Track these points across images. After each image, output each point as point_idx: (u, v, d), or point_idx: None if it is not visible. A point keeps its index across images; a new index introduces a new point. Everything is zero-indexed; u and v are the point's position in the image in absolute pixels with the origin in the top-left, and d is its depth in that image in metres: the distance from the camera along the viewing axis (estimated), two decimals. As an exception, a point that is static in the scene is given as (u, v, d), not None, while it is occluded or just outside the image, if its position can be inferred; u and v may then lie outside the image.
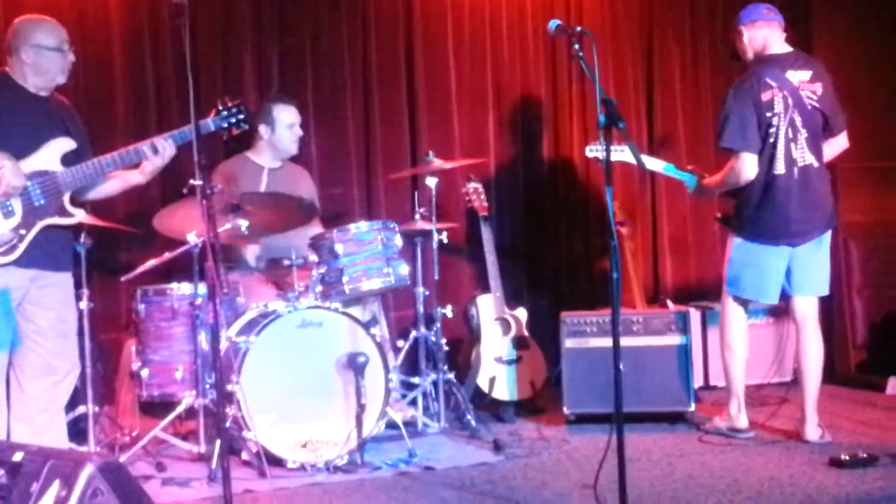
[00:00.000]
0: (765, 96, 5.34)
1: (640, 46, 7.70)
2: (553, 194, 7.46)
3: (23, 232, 4.56)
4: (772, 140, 5.34)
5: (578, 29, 4.55)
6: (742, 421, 5.57)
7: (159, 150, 4.77)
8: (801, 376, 5.51)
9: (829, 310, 7.51)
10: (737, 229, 5.56)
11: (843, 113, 5.61)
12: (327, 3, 6.96)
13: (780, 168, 5.34)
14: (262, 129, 6.12)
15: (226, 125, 4.89)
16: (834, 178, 7.48)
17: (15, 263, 4.53)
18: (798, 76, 5.41)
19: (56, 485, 3.27)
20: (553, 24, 4.62)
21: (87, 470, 3.26)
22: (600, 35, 7.30)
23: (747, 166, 5.33)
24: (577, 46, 4.39)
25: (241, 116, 4.92)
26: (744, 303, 5.63)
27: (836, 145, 5.60)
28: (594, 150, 5.88)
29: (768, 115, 5.33)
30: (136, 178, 4.94)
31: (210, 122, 4.82)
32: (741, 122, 5.33)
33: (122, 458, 5.04)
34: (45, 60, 4.72)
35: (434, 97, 7.20)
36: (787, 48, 5.54)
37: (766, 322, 6.99)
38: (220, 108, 4.89)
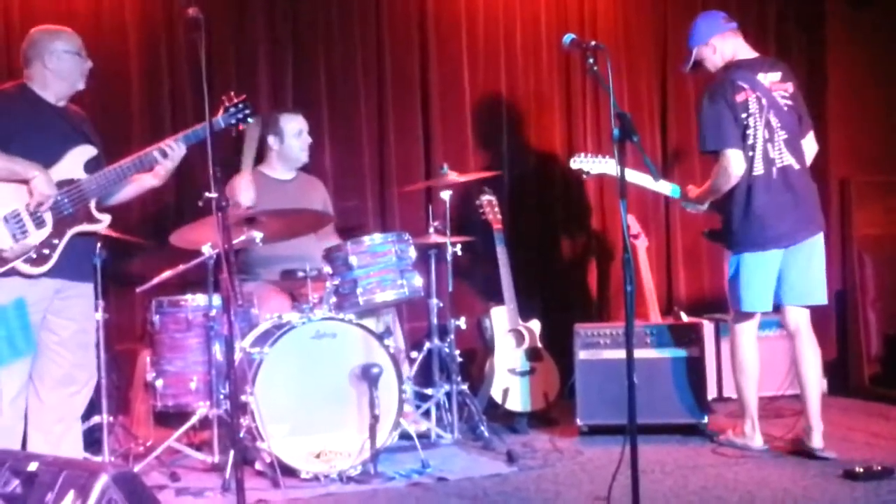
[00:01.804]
0: (738, 97, 5.34)
1: (654, 59, 7.71)
2: (567, 206, 7.47)
3: (55, 241, 4.60)
4: (749, 142, 5.34)
5: (593, 43, 4.54)
6: (757, 441, 5.56)
7: (168, 154, 4.80)
8: (802, 387, 5.47)
9: (844, 322, 7.53)
10: (728, 244, 5.56)
11: (808, 115, 5.63)
12: (341, 14, 6.98)
13: (758, 169, 5.33)
14: (272, 141, 6.17)
15: (234, 121, 4.90)
16: (847, 191, 7.54)
17: (45, 274, 4.57)
18: (769, 77, 5.44)
19: (71, 495, 3.28)
20: (567, 38, 4.63)
21: (102, 480, 3.27)
22: (614, 48, 7.31)
23: (734, 162, 5.31)
24: (591, 60, 4.41)
25: (248, 111, 4.93)
26: (751, 318, 5.59)
27: (808, 147, 5.58)
28: (578, 162, 5.90)
29: (743, 115, 5.33)
30: (151, 181, 4.96)
31: (220, 120, 4.82)
32: (717, 122, 5.33)
33: (137, 468, 5.04)
34: (66, 65, 4.76)
35: (448, 109, 7.22)
36: (754, 53, 5.60)
37: (780, 334, 6.92)
38: (227, 104, 4.90)
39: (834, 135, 7.64)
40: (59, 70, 4.76)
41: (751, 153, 5.33)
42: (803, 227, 5.43)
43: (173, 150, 4.80)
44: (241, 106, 4.92)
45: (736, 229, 5.45)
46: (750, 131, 5.33)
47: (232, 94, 4.91)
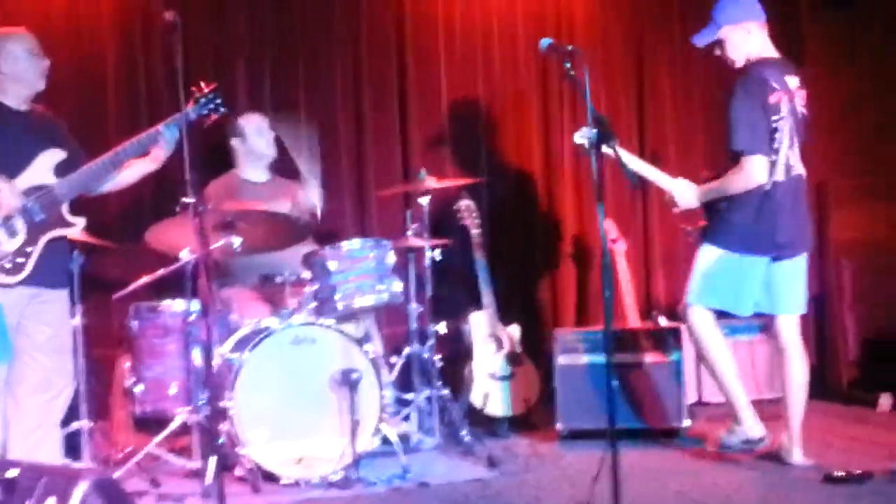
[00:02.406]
0: (772, 99, 5.09)
1: (631, 63, 7.71)
2: (546, 211, 7.47)
3: (29, 249, 4.59)
4: (776, 146, 5.12)
5: (569, 48, 4.54)
6: (757, 430, 5.40)
7: (165, 138, 4.82)
8: (789, 399, 5.29)
9: (821, 326, 7.55)
10: (719, 240, 5.30)
11: None
12: (319, 18, 6.98)
13: (779, 175, 5.12)
14: (236, 143, 6.18)
15: (206, 112, 4.88)
16: (824, 194, 7.56)
17: (20, 283, 4.55)
18: (793, 81, 5.23)
19: (51, 501, 3.26)
20: (544, 42, 4.60)
21: (82, 486, 3.24)
22: (591, 52, 7.30)
23: (757, 170, 5.06)
24: (568, 65, 4.40)
25: (219, 101, 4.90)
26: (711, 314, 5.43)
27: None
28: (582, 137, 5.30)
29: (774, 118, 5.09)
30: (149, 165, 4.98)
31: (190, 112, 4.79)
32: (752, 124, 5.06)
33: (117, 474, 5.01)
34: (20, 67, 4.76)
35: (426, 113, 7.22)
36: (776, 52, 5.36)
37: (760, 338, 6.98)
38: (198, 96, 4.87)
39: (809, 137, 7.65)
40: (14, 72, 4.74)
41: (774, 158, 5.11)
42: (802, 242, 5.31)
43: (160, 134, 4.80)
44: (211, 96, 4.89)
45: (741, 227, 5.21)
46: (778, 135, 5.11)
47: (202, 84, 4.88)
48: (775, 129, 5.11)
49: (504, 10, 7.45)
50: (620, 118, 7.56)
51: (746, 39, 5.24)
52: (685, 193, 5.40)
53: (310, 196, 6.05)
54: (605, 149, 4.39)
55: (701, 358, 5.57)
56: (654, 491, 4.87)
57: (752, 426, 5.41)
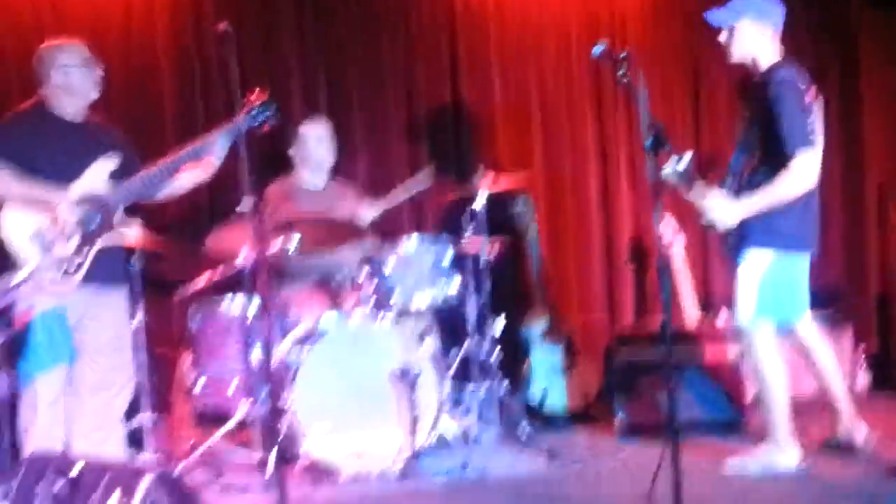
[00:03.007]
0: (808, 98, 4.97)
1: (685, 67, 7.65)
2: (603, 210, 7.46)
3: (84, 255, 4.64)
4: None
5: (623, 54, 4.51)
6: (793, 456, 5.08)
7: (217, 148, 4.87)
8: (834, 388, 5.15)
9: (886, 324, 7.47)
10: (766, 242, 5.00)
11: None
12: (370, 22, 7.04)
13: (813, 178, 4.93)
14: (294, 151, 6.22)
15: (258, 122, 4.89)
16: (887, 192, 7.49)
17: (79, 283, 4.61)
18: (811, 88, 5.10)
19: (116, 495, 3.32)
20: (598, 49, 4.57)
21: (146, 481, 3.30)
22: (645, 56, 7.26)
23: (812, 167, 4.84)
24: (622, 72, 4.38)
25: (271, 110, 4.91)
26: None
27: None
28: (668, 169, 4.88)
29: (810, 119, 4.93)
30: (201, 174, 5.04)
31: (242, 123, 4.80)
32: (803, 121, 4.84)
33: (180, 468, 5.11)
34: (74, 79, 4.82)
35: (479, 115, 7.23)
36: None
37: (822, 331, 6.91)
38: (250, 106, 4.88)
39: (871, 137, 7.61)
40: (67, 85, 4.81)
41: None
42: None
43: (213, 142, 4.85)
44: (264, 106, 4.90)
45: (789, 224, 4.97)
46: (814, 136, 4.92)
47: (254, 93, 4.90)
48: (813, 130, 4.92)
49: (557, 13, 7.43)
50: (675, 123, 7.50)
51: (759, 40, 5.07)
52: (725, 211, 4.97)
53: (365, 209, 6.10)
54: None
55: (757, 379, 5.20)
56: (716, 486, 4.83)
57: (793, 451, 5.08)
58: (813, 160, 4.86)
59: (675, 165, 4.75)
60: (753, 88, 5.13)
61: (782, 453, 5.07)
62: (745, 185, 5.03)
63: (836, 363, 5.22)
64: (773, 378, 5.09)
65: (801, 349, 5.23)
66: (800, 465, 5.03)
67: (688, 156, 4.77)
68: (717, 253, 7.48)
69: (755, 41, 5.08)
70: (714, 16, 5.15)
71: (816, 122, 4.94)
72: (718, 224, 5.01)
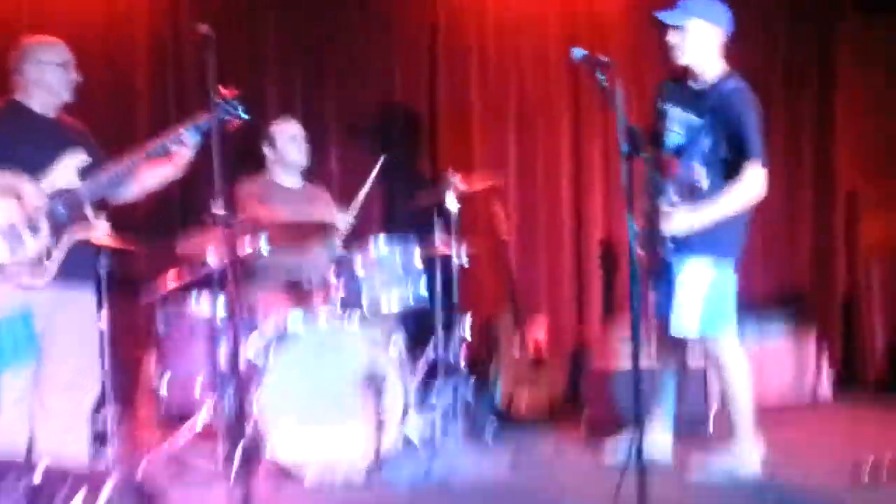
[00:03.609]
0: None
1: (664, 69, 7.65)
2: (575, 214, 7.47)
3: (53, 251, 4.62)
4: None
5: (604, 59, 4.51)
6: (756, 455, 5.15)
7: (186, 142, 4.84)
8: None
9: (850, 327, 7.52)
10: (721, 253, 5.05)
11: None
12: (350, 28, 7.02)
13: (763, 189, 4.99)
14: (267, 151, 6.23)
15: (226, 117, 4.88)
16: (856, 198, 7.53)
17: (47, 283, 4.59)
18: None
19: (78, 500, 3.31)
20: (577, 53, 4.58)
21: (109, 484, 3.29)
22: (623, 57, 7.27)
23: (763, 181, 4.93)
24: (602, 77, 4.39)
25: (240, 107, 4.89)
26: None
27: None
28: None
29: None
30: (171, 170, 5.00)
31: (206, 120, 4.80)
32: (760, 135, 4.95)
33: (143, 469, 5.10)
34: (48, 77, 4.81)
35: (456, 116, 7.24)
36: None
37: (785, 342, 6.99)
38: (218, 101, 4.86)
39: (842, 147, 7.66)
40: (40, 81, 4.79)
41: None
42: None
43: (182, 139, 4.83)
44: (232, 102, 4.89)
45: (729, 231, 5.02)
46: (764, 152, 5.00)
47: (223, 90, 4.88)
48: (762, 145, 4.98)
49: (537, 18, 7.44)
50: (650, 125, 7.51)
51: (710, 43, 5.08)
52: (680, 220, 4.99)
53: (339, 219, 6.11)
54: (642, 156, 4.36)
55: (722, 383, 5.22)
56: (679, 488, 4.89)
57: (755, 457, 5.13)
58: (764, 175, 4.92)
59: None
60: (694, 94, 5.13)
61: (745, 458, 5.11)
62: (690, 192, 5.03)
63: (748, 386, 5.15)
64: (738, 381, 5.12)
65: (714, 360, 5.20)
66: (763, 468, 5.07)
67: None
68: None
69: (706, 43, 5.08)
70: (667, 15, 5.13)
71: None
72: (672, 231, 4.99)
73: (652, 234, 5.03)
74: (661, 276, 5.12)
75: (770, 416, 6.19)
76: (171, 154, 4.89)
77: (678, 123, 5.16)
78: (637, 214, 4.95)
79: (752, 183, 4.92)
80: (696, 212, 4.94)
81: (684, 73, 5.19)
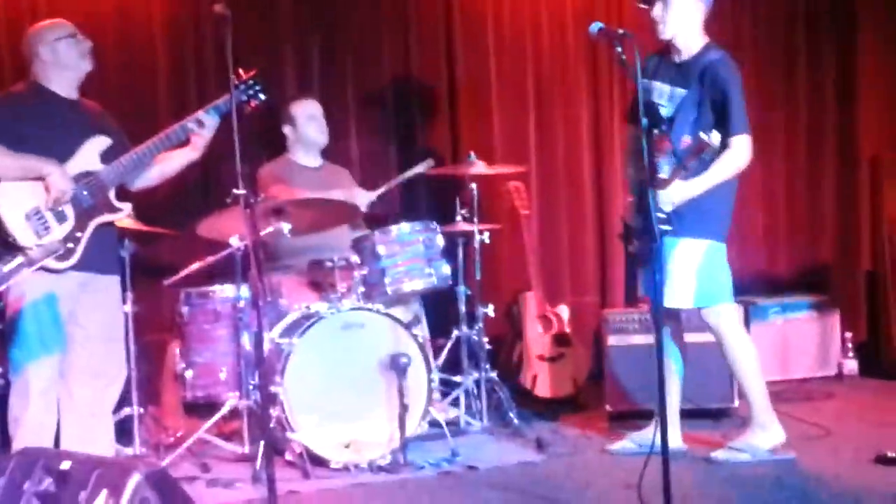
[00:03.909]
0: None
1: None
2: (595, 192, 7.43)
3: (78, 234, 4.64)
4: None
5: (621, 31, 4.50)
6: (780, 434, 5.10)
7: (206, 124, 4.83)
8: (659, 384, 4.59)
9: (874, 302, 7.47)
10: (701, 231, 5.01)
11: None
12: (367, 6, 7.00)
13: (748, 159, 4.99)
14: (287, 130, 6.22)
15: (245, 98, 4.89)
16: (879, 168, 7.46)
17: (71, 268, 4.59)
18: None
19: (104, 493, 3.31)
20: (595, 26, 4.57)
21: (135, 478, 3.29)
22: (641, 34, 7.19)
23: (748, 149, 4.91)
24: (619, 49, 4.36)
25: (259, 87, 4.91)
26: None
27: None
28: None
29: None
30: (190, 154, 4.97)
31: (227, 101, 4.77)
32: (743, 105, 4.93)
33: (167, 460, 5.12)
34: (62, 52, 4.78)
35: (474, 96, 7.19)
36: None
37: (809, 316, 6.95)
38: (237, 83, 4.86)
39: (865, 112, 7.59)
40: (56, 60, 4.78)
41: None
42: None
43: (202, 122, 4.83)
44: (251, 82, 4.90)
45: (721, 215, 5.06)
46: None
47: (241, 71, 4.89)
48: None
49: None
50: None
51: (693, 17, 5.05)
52: (673, 190, 4.86)
53: (360, 196, 6.08)
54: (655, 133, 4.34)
55: (730, 364, 5.19)
56: (704, 473, 4.88)
57: (777, 430, 5.10)
58: (748, 143, 4.92)
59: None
60: (679, 67, 5.10)
61: (766, 434, 5.08)
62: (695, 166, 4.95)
63: (752, 356, 5.15)
64: (745, 360, 5.12)
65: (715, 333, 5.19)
66: (785, 445, 5.05)
67: None
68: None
69: (689, 17, 5.05)
70: None
71: None
72: (666, 203, 4.82)
73: (641, 209, 4.85)
74: (652, 253, 5.08)
75: (795, 390, 6.25)
76: (191, 137, 4.88)
77: (665, 97, 5.12)
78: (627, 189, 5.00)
79: (740, 151, 4.92)
80: (690, 182, 4.88)
81: (667, 49, 5.17)
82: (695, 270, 5.03)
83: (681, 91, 5.05)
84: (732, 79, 4.96)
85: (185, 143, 4.92)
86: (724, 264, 5.12)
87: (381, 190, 6.17)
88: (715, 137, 4.58)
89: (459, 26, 7.18)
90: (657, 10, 5.06)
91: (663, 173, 4.81)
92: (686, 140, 4.94)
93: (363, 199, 6.11)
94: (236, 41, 4.22)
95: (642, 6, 5.16)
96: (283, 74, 6.74)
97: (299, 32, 6.85)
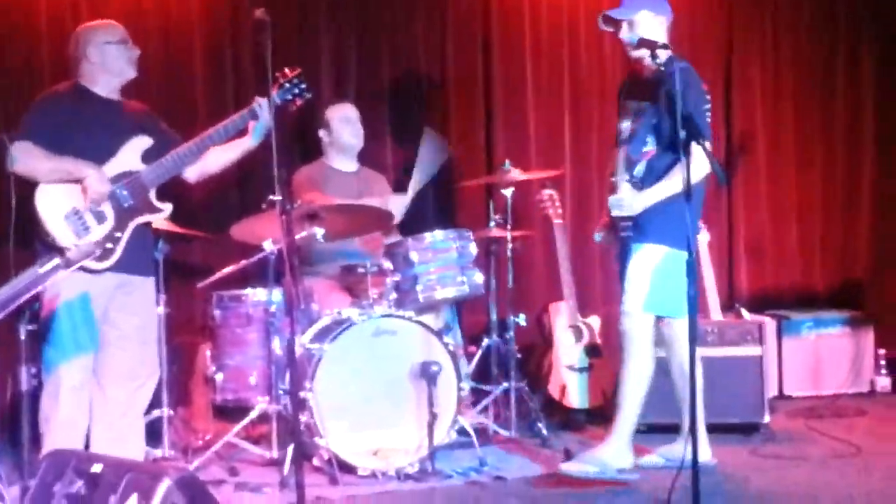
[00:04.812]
0: (704, 87, 5.05)
1: (719, 49, 7.57)
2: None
3: (118, 235, 4.67)
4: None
5: (660, 42, 4.48)
6: (627, 459, 5.06)
7: (258, 114, 4.86)
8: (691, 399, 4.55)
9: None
10: (661, 238, 4.95)
11: None
12: (404, 8, 7.00)
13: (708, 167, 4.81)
14: (322, 134, 6.23)
15: (290, 97, 4.91)
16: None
17: (108, 269, 4.62)
18: None
19: (134, 498, 3.32)
20: (634, 37, 4.59)
21: (165, 483, 3.31)
22: (677, 37, 7.17)
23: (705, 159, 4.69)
24: (658, 60, 4.34)
25: (303, 86, 4.93)
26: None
27: None
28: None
29: (707, 107, 5.02)
30: (248, 143, 4.99)
31: (275, 97, 4.77)
32: (704, 113, 4.92)
33: (196, 462, 5.14)
34: (110, 56, 4.82)
35: (510, 101, 7.18)
36: None
37: (843, 332, 6.90)
38: (282, 81, 4.89)
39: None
40: (103, 62, 4.81)
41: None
42: None
43: (244, 117, 4.88)
44: (295, 81, 4.92)
45: (680, 222, 4.61)
46: (709, 129, 5.03)
47: (286, 69, 4.90)
48: (708, 122, 5.00)
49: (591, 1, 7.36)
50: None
51: (657, 33, 5.05)
52: (631, 200, 5.02)
53: (395, 203, 6.08)
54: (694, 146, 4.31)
55: (622, 365, 5.14)
56: (735, 489, 4.85)
57: (627, 456, 5.07)
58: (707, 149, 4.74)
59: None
60: (646, 83, 5.10)
61: (617, 455, 5.03)
62: (640, 173, 5.06)
63: (646, 378, 5.10)
64: (636, 371, 5.06)
65: (671, 348, 5.18)
66: (633, 469, 5.00)
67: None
68: (741, 251, 7.49)
69: (653, 33, 5.03)
70: (617, 13, 5.17)
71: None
72: (622, 205, 5.04)
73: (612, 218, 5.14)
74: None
75: (826, 406, 6.21)
76: (233, 135, 4.90)
77: (633, 113, 5.19)
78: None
79: (699, 160, 4.71)
80: (647, 192, 4.96)
81: (639, 66, 5.17)
82: (646, 275, 5.02)
83: (645, 104, 5.10)
84: (688, 86, 4.79)
85: (241, 134, 4.95)
86: (678, 274, 4.68)
87: (411, 190, 6.15)
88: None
89: (496, 29, 7.16)
90: (624, 32, 5.13)
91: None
92: (647, 151, 5.03)
93: (398, 205, 6.11)
94: (274, 46, 4.23)
95: (606, 28, 5.25)
96: (320, 78, 6.73)
97: (336, 36, 6.86)
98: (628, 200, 5.03)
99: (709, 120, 4.77)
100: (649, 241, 5.01)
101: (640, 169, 5.08)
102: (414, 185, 6.21)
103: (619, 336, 5.17)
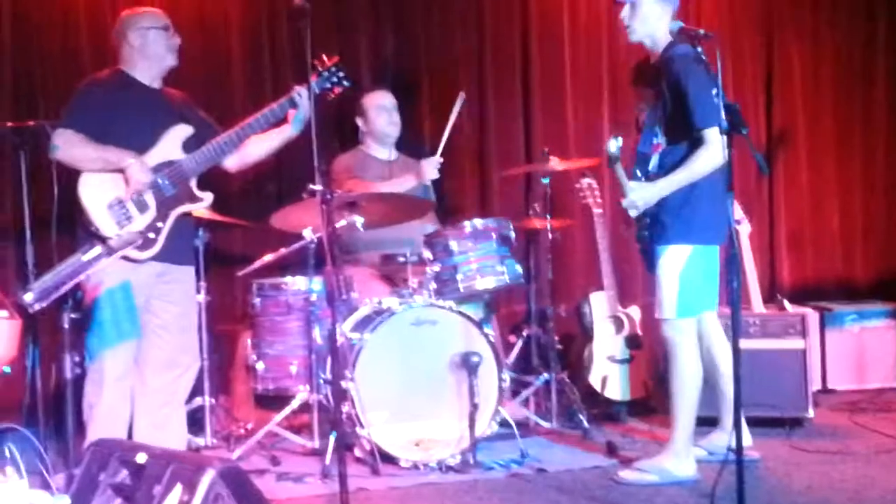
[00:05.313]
0: (711, 71, 4.70)
1: (759, 44, 7.51)
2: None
3: (160, 224, 4.66)
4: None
5: (701, 32, 4.43)
6: (689, 468, 4.88)
7: (298, 103, 4.83)
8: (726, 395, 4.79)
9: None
10: (684, 237, 4.84)
11: None
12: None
13: (725, 154, 4.46)
14: (360, 122, 6.22)
15: (329, 85, 4.89)
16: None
17: (151, 258, 4.63)
18: None
19: (178, 488, 3.32)
20: (675, 25, 4.53)
21: (209, 475, 3.30)
22: (718, 29, 7.11)
23: (719, 143, 4.38)
24: (699, 50, 4.28)
25: (342, 74, 4.91)
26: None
27: None
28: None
29: (714, 91, 4.58)
30: (288, 131, 4.96)
31: (314, 85, 4.75)
32: (710, 97, 4.55)
33: (238, 452, 5.16)
34: (151, 42, 4.81)
35: (549, 91, 7.14)
36: None
37: (887, 324, 6.82)
38: (321, 69, 4.87)
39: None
40: (143, 47, 4.80)
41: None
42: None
43: (283, 106, 4.85)
44: (334, 69, 4.90)
45: (702, 217, 4.80)
46: (719, 112, 4.58)
47: (324, 57, 4.88)
48: (718, 105, 4.58)
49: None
50: (746, 98, 7.35)
51: (660, 18, 4.89)
52: (643, 192, 4.84)
53: (428, 168, 6.03)
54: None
55: (671, 373, 4.97)
56: (778, 484, 4.79)
57: (690, 464, 4.89)
58: (718, 136, 4.46)
59: (612, 145, 4.73)
60: (653, 70, 5.00)
61: (680, 463, 4.88)
62: (654, 168, 4.93)
63: (696, 382, 4.96)
64: (687, 376, 4.91)
65: (702, 340, 5.05)
66: (695, 476, 4.83)
67: (620, 140, 4.73)
68: (783, 242, 7.42)
69: (655, 18, 4.91)
70: None
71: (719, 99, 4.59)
72: (638, 205, 4.85)
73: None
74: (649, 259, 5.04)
75: (871, 400, 6.14)
76: (273, 124, 4.88)
77: (640, 104, 5.13)
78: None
79: (712, 146, 4.66)
80: (659, 182, 4.82)
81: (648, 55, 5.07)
82: (674, 278, 4.87)
83: (651, 92, 5.00)
84: (686, 71, 4.74)
85: (280, 122, 4.93)
86: (706, 270, 4.89)
87: (441, 150, 6.09)
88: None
89: (534, 16, 7.12)
90: (625, 13, 4.99)
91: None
92: (657, 143, 4.93)
93: (431, 169, 6.03)
94: (312, 37, 4.21)
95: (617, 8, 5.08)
96: (358, 66, 6.71)
97: (374, 24, 6.84)
98: (640, 196, 4.84)
99: (721, 102, 4.48)
100: (672, 241, 4.86)
101: (654, 163, 4.94)
102: (442, 144, 6.14)
103: (663, 344, 5.04)
